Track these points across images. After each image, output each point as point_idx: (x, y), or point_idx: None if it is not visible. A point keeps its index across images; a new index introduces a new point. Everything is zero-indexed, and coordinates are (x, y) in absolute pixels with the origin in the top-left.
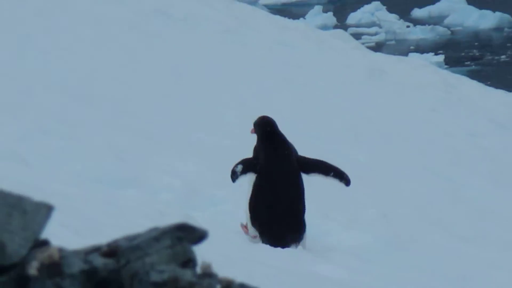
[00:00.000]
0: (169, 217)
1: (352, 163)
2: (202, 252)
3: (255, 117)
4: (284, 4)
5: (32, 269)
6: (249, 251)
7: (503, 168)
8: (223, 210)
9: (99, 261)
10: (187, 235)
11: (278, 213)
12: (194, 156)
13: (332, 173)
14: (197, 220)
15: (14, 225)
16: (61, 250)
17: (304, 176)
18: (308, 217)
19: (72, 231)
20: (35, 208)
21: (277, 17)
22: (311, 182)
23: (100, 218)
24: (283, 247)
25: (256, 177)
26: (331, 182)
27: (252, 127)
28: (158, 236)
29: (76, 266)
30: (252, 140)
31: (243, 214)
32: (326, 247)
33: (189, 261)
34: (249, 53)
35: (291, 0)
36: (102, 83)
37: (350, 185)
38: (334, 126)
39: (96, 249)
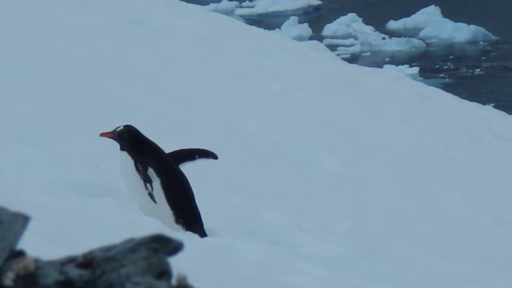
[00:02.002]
0: (143, 226)
1: (325, 173)
2: (175, 262)
3: (230, 127)
4: (259, 15)
5: (8, 280)
6: (220, 261)
7: (476, 180)
8: None
9: (74, 272)
10: (163, 246)
11: (193, 205)
12: None
13: (197, 156)
14: (169, 229)
15: None
16: (36, 260)
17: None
18: (281, 227)
19: (47, 241)
20: (11, 219)
21: (253, 27)
22: (285, 193)
23: (74, 227)
24: (202, 233)
25: (161, 182)
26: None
27: (109, 133)
28: (134, 247)
29: (52, 277)
30: (233, 151)
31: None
32: (298, 257)
33: (164, 273)
34: (224, 63)
35: (267, 10)
36: (76, 92)
37: (219, 159)
38: (308, 136)
39: (71, 260)
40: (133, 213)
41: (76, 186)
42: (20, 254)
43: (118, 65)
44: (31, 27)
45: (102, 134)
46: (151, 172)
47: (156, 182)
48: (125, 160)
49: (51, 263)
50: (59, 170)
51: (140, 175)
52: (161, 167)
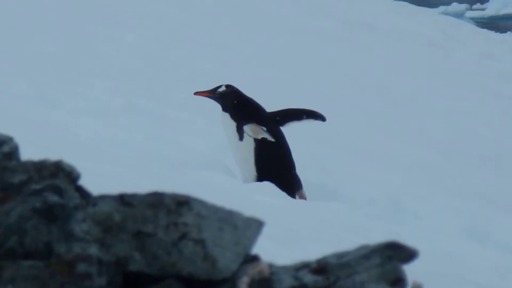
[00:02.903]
0: (373, 231)
1: None
2: (408, 269)
3: (465, 132)
4: (491, 17)
5: (243, 284)
6: (452, 267)
7: None
8: (427, 225)
9: (309, 278)
10: (397, 253)
11: (290, 169)
12: (397, 168)
13: (304, 116)
14: (401, 235)
15: (225, 240)
16: (271, 266)
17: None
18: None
19: (278, 245)
20: (246, 223)
21: (484, 30)
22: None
23: (304, 231)
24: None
25: (259, 144)
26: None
27: (212, 93)
28: (368, 254)
29: (286, 282)
30: (466, 156)
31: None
32: None
33: (399, 281)
34: (455, 66)
35: (498, 13)
36: (304, 95)
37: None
38: None
39: (305, 265)
40: (362, 217)
41: (307, 189)
42: (255, 259)
43: (347, 68)
44: (259, 29)
45: (197, 93)
46: (252, 129)
47: (251, 144)
48: (227, 123)
49: (285, 268)
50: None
51: (240, 136)
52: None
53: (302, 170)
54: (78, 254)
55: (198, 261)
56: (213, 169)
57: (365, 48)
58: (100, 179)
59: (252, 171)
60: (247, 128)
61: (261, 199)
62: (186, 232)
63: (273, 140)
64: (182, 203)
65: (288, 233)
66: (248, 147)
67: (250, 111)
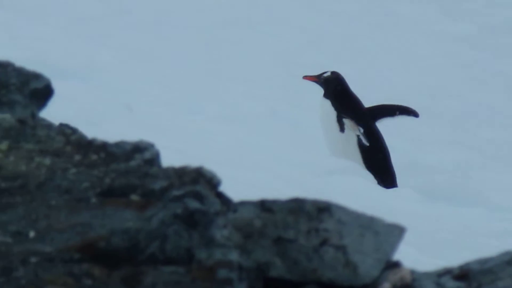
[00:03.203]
0: None
1: None
2: None
3: None
4: None
5: None
6: None
7: None
8: None
9: (451, 284)
10: None
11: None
12: None
13: (397, 112)
14: None
15: (366, 246)
16: (413, 272)
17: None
18: None
19: (418, 250)
20: (387, 229)
21: None
22: None
23: (446, 237)
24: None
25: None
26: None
27: (317, 78)
28: (511, 260)
29: None
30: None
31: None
32: None
33: None
34: None
35: None
36: (444, 99)
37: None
38: None
39: (447, 272)
40: (504, 222)
41: (444, 194)
42: (397, 265)
43: (488, 73)
44: (399, 34)
45: (305, 77)
46: (350, 125)
47: (354, 137)
48: (327, 110)
49: (427, 275)
50: (425, 179)
51: (340, 127)
52: (361, 123)
53: (444, 176)
54: (219, 260)
55: (339, 267)
56: (353, 175)
57: (509, 53)
58: (241, 185)
59: (360, 164)
60: (347, 121)
61: (401, 205)
62: (327, 238)
63: (367, 144)
64: (323, 209)
65: (430, 239)
66: (351, 140)
67: (350, 103)
